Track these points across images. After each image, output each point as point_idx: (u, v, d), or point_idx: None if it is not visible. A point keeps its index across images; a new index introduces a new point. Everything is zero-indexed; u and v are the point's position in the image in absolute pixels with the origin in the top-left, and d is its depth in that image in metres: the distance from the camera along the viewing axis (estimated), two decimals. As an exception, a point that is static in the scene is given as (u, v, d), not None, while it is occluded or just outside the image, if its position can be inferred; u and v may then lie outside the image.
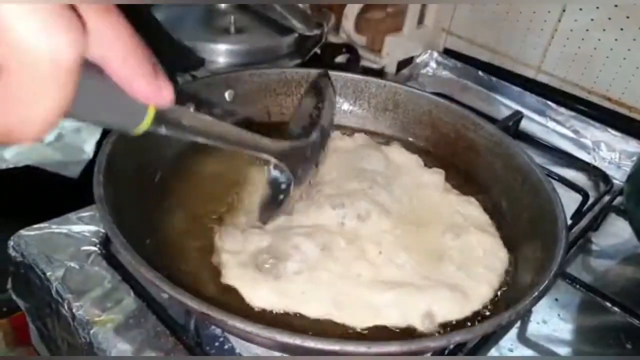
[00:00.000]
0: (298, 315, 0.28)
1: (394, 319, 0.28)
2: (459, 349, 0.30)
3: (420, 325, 0.28)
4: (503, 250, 0.33)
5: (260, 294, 0.28)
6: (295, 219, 0.33)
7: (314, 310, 0.28)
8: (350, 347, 0.19)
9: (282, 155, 0.28)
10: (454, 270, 0.31)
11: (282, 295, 0.28)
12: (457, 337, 0.21)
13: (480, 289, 0.30)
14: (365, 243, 0.32)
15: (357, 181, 0.36)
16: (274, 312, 0.28)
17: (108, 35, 0.15)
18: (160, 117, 0.19)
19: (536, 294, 0.23)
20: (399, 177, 0.38)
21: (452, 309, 0.28)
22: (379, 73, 0.62)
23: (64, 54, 0.13)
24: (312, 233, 0.32)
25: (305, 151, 0.32)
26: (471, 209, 0.36)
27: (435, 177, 0.38)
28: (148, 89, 0.17)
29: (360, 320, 0.28)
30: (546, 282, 0.24)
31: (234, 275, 0.29)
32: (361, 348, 0.19)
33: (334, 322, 0.28)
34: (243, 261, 0.30)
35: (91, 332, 0.30)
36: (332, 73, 0.43)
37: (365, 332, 0.28)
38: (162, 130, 0.19)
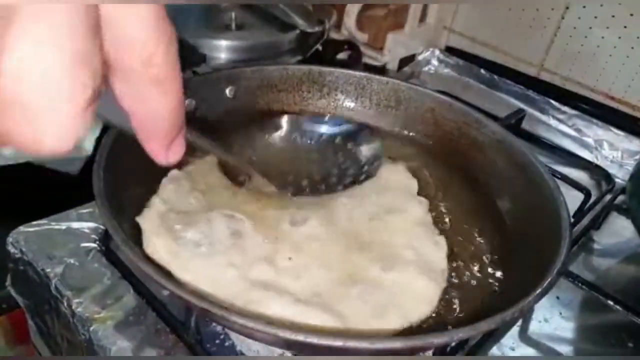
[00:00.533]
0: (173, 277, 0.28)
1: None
2: (460, 346, 0.30)
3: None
4: (432, 303, 0.29)
5: (154, 242, 0.29)
6: (245, 206, 0.33)
7: (188, 279, 0.27)
8: (352, 344, 0.19)
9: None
10: (358, 303, 0.27)
11: (171, 255, 0.28)
12: (461, 334, 0.20)
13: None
14: (284, 245, 0.30)
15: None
16: (157, 263, 0.28)
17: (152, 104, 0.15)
18: None
19: (539, 290, 0.23)
20: (378, 197, 0.35)
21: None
22: (381, 70, 0.62)
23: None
24: (238, 218, 0.31)
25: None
26: (432, 250, 0.32)
27: (416, 207, 0.35)
28: (156, 152, 0.17)
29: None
30: (550, 279, 0.24)
31: (147, 218, 0.30)
32: (364, 344, 0.19)
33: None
34: (165, 212, 0.31)
35: (91, 329, 0.29)
36: (334, 69, 0.43)
37: None
38: None
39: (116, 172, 0.29)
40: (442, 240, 0.33)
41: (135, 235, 0.29)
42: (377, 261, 0.30)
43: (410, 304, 0.28)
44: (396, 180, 0.37)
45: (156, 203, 0.32)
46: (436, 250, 0.32)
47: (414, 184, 0.37)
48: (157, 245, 0.29)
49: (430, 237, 0.33)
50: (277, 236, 0.31)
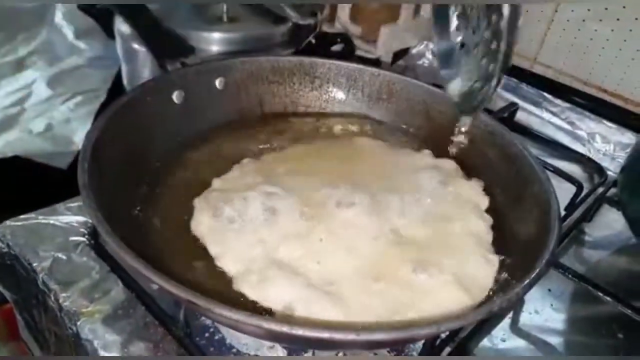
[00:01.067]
0: (205, 251, 0.30)
1: (265, 299, 0.27)
2: (451, 338, 0.30)
3: (282, 313, 0.26)
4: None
5: (198, 219, 0.31)
6: (295, 179, 0.34)
7: (217, 252, 0.29)
8: (338, 335, 0.19)
9: None
10: (372, 298, 0.26)
11: (209, 229, 0.30)
12: (448, 325, 0.20)
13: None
14: (320, 225, 0.30)
15: (382, 184, 0.34)
16: (199, 241, 0.30)
17: None
18: None
19: (527, 281, 0.23)
20: (441, 204, 0.33)
21: (316, 314, 0.25)
22: (375, 63, 0.62)
23: None
24: (279, 195, 0.32)
25: None
26: (478, 266, 0.30)
27: (476, 221, 0.33)
28: None
29: (241, 286, 0.28)
30: (538, 270, 0.24)
31: (202, 197, 0.33)
32: (350, 336, 0.19)
33: (224, 272, 0.29)
34: (215, 190, 0.33)
35: (78, 323, 0.29)
36: (325, 61, 0.42)
37: (241, 299, 0.27)
38: None
39: (103, 164, 0.29)
40: (495, 259, 0.30)
41: (131, 229, 0.29)
42: (411, 262, 0.29)
43: (431, 311, 0.26)
44: (467, 195, 0.35)
45: (215, 183, 0.34)
46: (484, 268, 0.29)
47: (484, 201, 0.35)
48: (199, 220, 0.31)
49: (483, 254, 0.30)
50: (314, 215, 0.31)
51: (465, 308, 0.27)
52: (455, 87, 0.29)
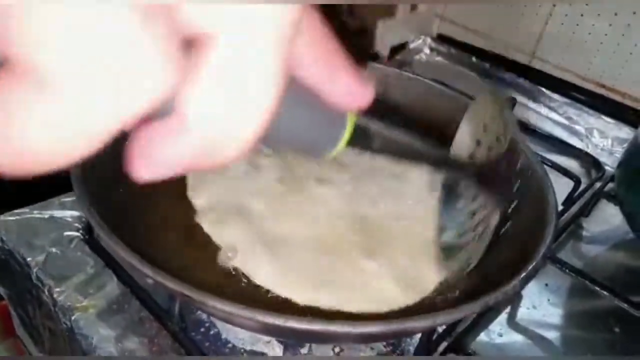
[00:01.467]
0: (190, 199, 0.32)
1: (217, 236, 0.30)
2: (448, 333, 0.30)
3: (225, 252, 0.29)
4: (382, 309, 0.27)
5: None
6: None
7: (193, 185, 0.32)
8: (333, 327, 0.19)
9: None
10: (312, 267, 0.27)
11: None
12: (445, 317, 0.20)
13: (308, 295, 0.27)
14: (293, 194, 0.32)
15: (372, 172, 0.34)
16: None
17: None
18: (358, 130, 0.15)
19: (524, 274, 0.23)
20: (420, 205, 0.33)
21: (261, 270, 0.27)
22: (373, 58, 0.61)
23: None
24: (265, 154, 0.33)
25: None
26: (429, 270, 0.30)
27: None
28: (350, 88, 0.13)
29: (201, 220, 0.31)
30: (534, 263, 0.24)
31: None
32: (345, 328, 0.19)
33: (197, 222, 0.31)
34: None
35: (72, 317, 0.29)
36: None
37: (197, 229, 0.30)
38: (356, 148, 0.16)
39: (97, 157, 0.28)
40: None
41: (126, 223, 0.29)
42: (363, 248, 0.30)
43: (356, 295, 0.27)
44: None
45: None
46: (432, 274, 0.29)
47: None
48: None
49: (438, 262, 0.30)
50: (291, 183, 0.32)
51: (394, 305, 0.27)
52: (445, 236, 0.31)
